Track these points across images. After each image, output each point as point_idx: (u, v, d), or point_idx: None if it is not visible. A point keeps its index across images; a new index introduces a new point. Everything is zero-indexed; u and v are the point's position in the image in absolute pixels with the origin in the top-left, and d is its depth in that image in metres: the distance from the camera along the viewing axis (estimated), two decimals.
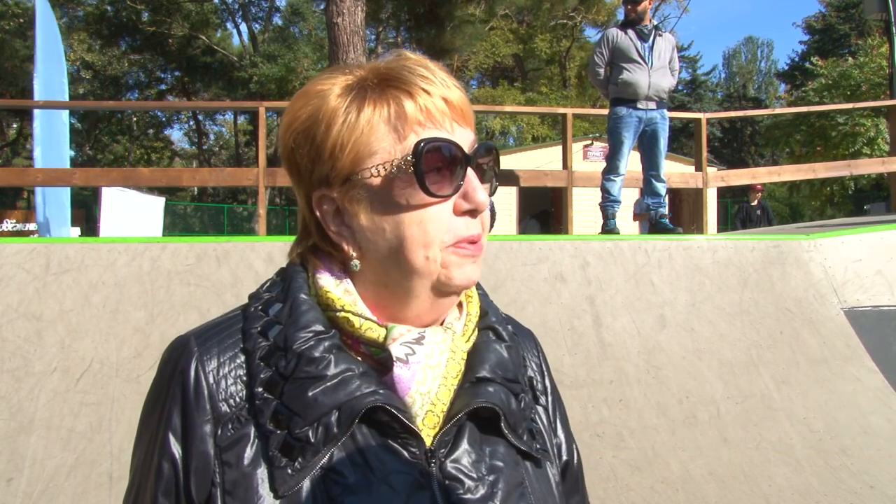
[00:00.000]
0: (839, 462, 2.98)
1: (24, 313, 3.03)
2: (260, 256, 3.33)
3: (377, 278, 0.72)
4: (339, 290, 0.71)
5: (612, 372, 3.26)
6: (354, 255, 0.71)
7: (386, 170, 0.68)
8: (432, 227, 0.68)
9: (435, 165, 0.67)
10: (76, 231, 12.63)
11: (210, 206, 26.86)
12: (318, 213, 0.72)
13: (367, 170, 0.68)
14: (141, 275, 3.23)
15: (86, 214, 18.51)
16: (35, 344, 2.95)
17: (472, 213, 0.70)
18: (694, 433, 3.07)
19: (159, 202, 15.90)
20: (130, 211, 13.43)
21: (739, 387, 3.28)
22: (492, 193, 0.73)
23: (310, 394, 0.65)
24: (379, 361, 0.69)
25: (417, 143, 0.67)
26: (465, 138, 0.70)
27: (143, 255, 3.28)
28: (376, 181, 0.68)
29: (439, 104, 0.69)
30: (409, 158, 0.67)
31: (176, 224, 23.00)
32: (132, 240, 3.48)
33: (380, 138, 0.68)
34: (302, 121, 0.71)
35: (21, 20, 23.87)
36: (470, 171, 0.69)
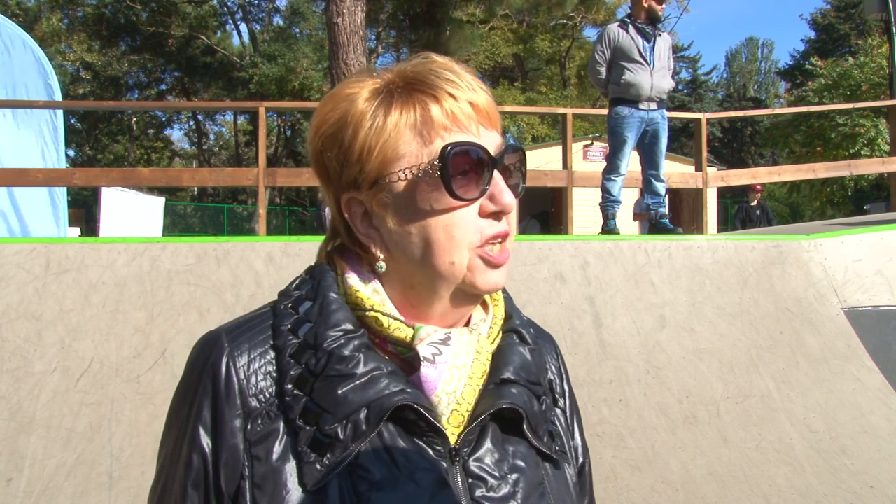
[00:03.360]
0: (839, 462, 2.98)
1: (24, 313, 3.03)
2: (260, 256, 3.32)
3: (403, 279, 0.73)
4: (367, 290, 0.73)
5: (612, 372, 3.26)
6: (381, 256, 0.72)
7: (413, 173, 0.69)
8: (458, 232, 0.69)
9: (461, 169, 0.68)
10: (76, 231, 12.63)
11: (210, 206, 26.86)
12: (346, 215, 0.73)
13: (395, 173, 0.69)
14: (141, 275, 3.22)
15: (86, 214, 18.51)
16: (35, 344, 2.95)
17: (498, 214, 0.71)
18: (694, 433, 3.07)
19: (159, 202, 15.92)
20: (130, 211, 13.45)
21: (739, 387, 3.28)
22: (518, 195, 0.73)
23: (339, 391, 0.66)
24: (406, 361, 0.71)
25: (444, 148, 0.67)
26: (492, 141, 0.71)
27: (143, 255, 3.28)
28: (403, 185, 0.69)
29: (465, 108, 0.69)
30: (435, 162, 0.67)
31: (176, 224, 23.00)
32: (132, 240, 3.48)
33: (407, 142, 0.69)
34: (330, 124, 0.72)
35: (21, 20, 23.86)
36: (496, 174, 0.70)
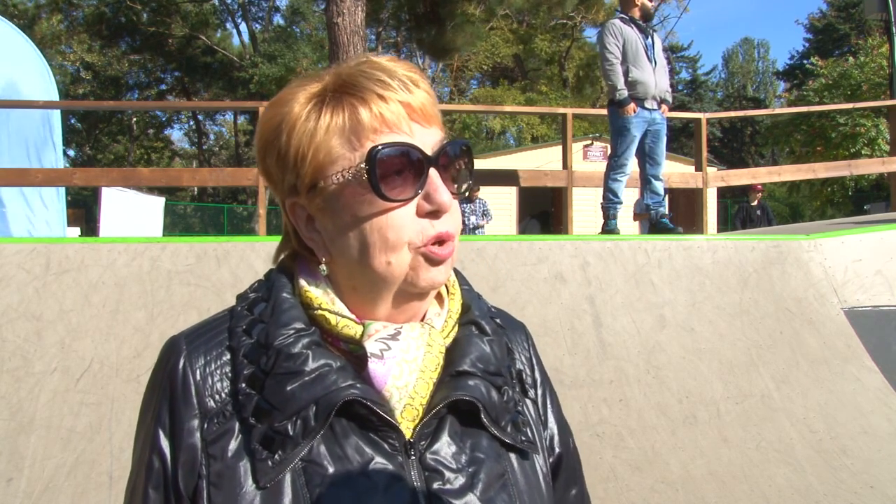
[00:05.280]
0: (839, 462, 2.98)
1: (24, 313, 3.03)
2: (260, 256, 3.32)
3: (346, 282, 0.73)
4: (318, 290, 0.73)
5: (612, 372, 3.26)
6: (324, 259, 0.73)
7: (344, 177, 0.68)
8: (392, 234, 0.68)
9: (393, 169, 0.67)
10: (76, 231, 12.63)
11: (210, 206, 26.85)
12: (292, 219, 0.74)
13: (329, 178, 0.69)
14: (141, 275, 3.22)
15: (86, 214, 18.52)
16: (35, 344, 2.95)
17: (436, 213, 0.70)
18: (694, 433, 3.07)
19: (159, 202, 15.93)
20: (130, 211, 13.46)
21: (739, 387, 3.28)
22: (463, 193, 0.73)
23: (288, 388, 0.67)
24: (359, 358, 0.71)
25: (371, 149, 0.67)
26: (428, 139, 0.70)
27: (143, 255, 3.28)
28: (337, 189, 0.69)
29: (395, 108, 0.68)
30: (362, 165, 0.67)
31: (176, 224, 23.00)
32: (132, 240, 3.48)
33: (338, 147, 0.69)
34: (269, 130, 0.73)
35: (20, 20, 23.87)
36: (433, 172, 0.69)
